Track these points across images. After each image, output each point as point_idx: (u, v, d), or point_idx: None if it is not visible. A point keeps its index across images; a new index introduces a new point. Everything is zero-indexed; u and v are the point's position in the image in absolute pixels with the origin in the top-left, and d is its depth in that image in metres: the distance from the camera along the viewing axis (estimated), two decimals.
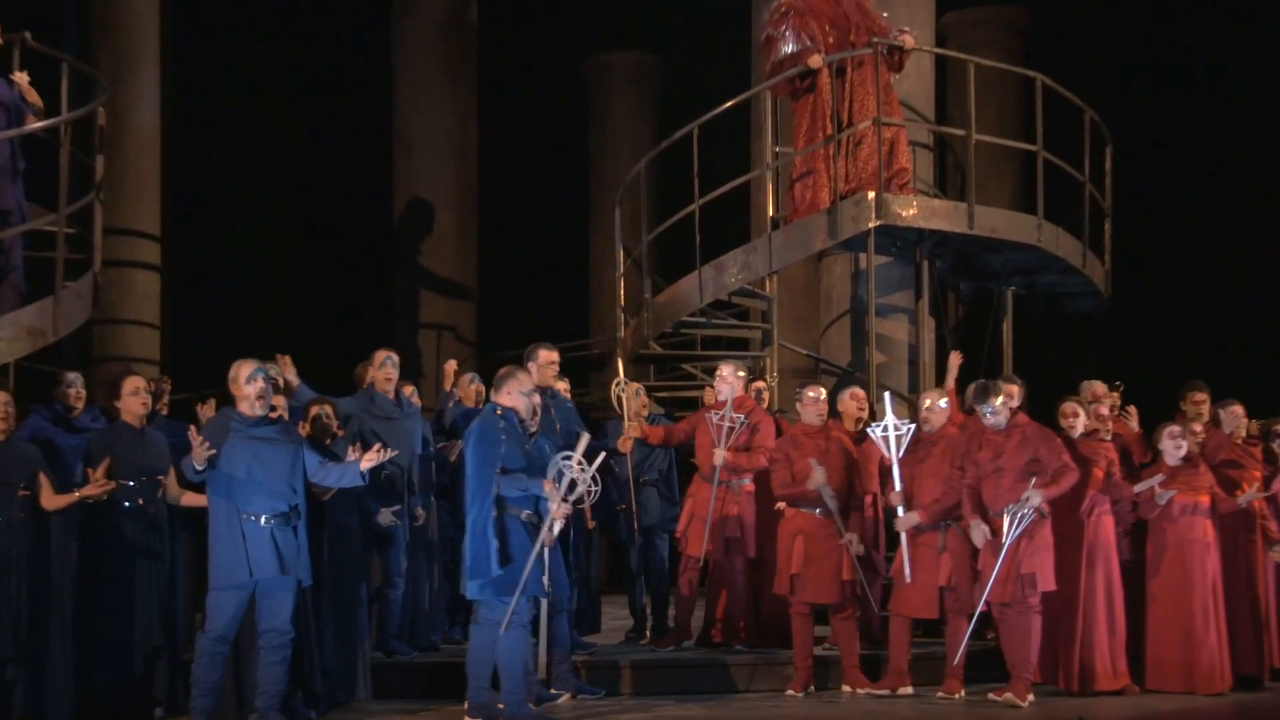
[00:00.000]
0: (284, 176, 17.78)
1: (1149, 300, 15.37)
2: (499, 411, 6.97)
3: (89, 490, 6.92)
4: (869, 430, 8.13)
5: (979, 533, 7.59)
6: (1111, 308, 11.67)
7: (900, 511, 7.81)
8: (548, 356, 8.34)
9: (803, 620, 8.06)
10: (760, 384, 9.00)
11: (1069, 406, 8.19)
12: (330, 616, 7.44)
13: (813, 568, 7.95)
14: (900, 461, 7.82)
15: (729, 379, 8.48)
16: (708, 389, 9.32)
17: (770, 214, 10.32)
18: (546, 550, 6.89)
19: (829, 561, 7.95)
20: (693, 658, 8.40)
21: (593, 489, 7.05)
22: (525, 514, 6.87)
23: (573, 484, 6.98)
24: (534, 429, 7.51)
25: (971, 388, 8.52)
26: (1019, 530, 7.53)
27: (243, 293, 17.23)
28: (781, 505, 8.21)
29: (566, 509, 6.89)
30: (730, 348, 11.10)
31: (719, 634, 8.51)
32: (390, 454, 6.82)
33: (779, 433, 8.70)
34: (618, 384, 8.21)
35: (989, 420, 7.76)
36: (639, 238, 10.67)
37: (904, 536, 7.82)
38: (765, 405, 9.04)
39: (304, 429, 7.58)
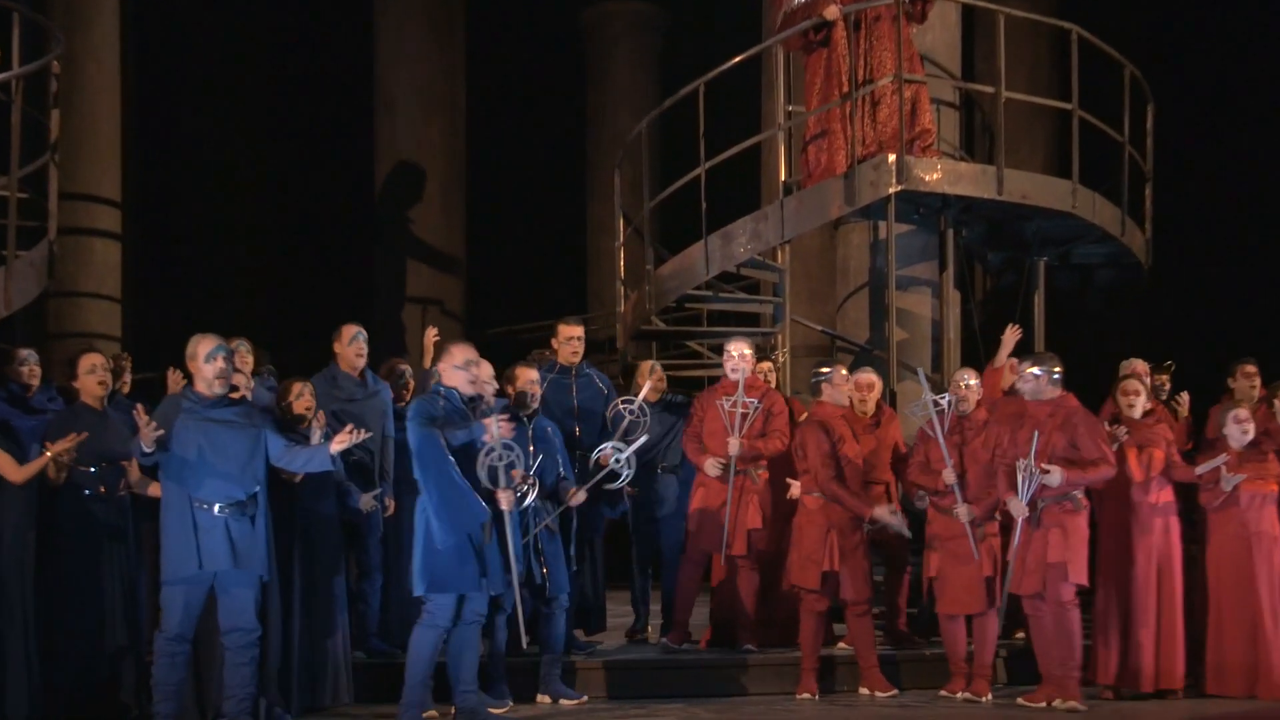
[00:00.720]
0: (255, 137, 17.76)
1: (1193, 271, 15.35)
2: (441, 392, 6.99)
3: (60, 446, 6.91)
4: (909, 411, 8.12)
5: (1017, 506, 7.60)
6: (1153, 279, 11.66)
7: (957, 494, 7.81)
8: (567, 331, 8.37)
9: (819, 619, 8.08)
10: (766, 365, 8.96)
11: (1131, 385, 8.18)
12: (304, 612, 7.47)
13: (848, 562, 7.97)
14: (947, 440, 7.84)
15: (741, 359, 8.45)
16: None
17: (782, 179, 10.30)
18: (513, 544, 6.90)
19: (859, 554, 8.00)
20: (699, 658, 8.43)
21: (625, 471, 7.28)
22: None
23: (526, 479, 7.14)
24: (534, 405, 7.53)
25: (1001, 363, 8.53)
26: (1030, 491, 7.56)
27: (211, 263, 17.24)
28: (796, 492, 8.20)
29: (509, 497, 6.88)
30: (739, 324, 11.11)
31: (746, 635, 8.51)
32: (363, 435, 6.82)
33: (793, 415, 8.69)
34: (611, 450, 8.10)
35: (1026, 385, 7.77)
36: (640, 204, 10.66)
37: (968, 526, 7.85)
38: (773, 385, 9.04)
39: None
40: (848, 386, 8.18)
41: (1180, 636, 8.04)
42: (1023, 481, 7.60)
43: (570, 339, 8.32)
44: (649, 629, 9.17)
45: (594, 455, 7.72)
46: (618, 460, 7.56)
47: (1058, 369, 7.83)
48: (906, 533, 8.01)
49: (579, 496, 7.55)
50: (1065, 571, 7.62)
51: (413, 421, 6.90)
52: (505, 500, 6.86)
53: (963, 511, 7.80)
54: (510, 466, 6.91)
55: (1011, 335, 9.21)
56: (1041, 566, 7.64)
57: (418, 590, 6.90)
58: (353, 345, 8.26)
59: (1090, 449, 7.65)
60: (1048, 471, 7.55)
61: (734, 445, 8.29)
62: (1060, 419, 7.71)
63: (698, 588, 8.57)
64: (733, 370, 8.45)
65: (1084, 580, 7.72)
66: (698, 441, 8.40)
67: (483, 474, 6.87)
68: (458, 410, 6.90)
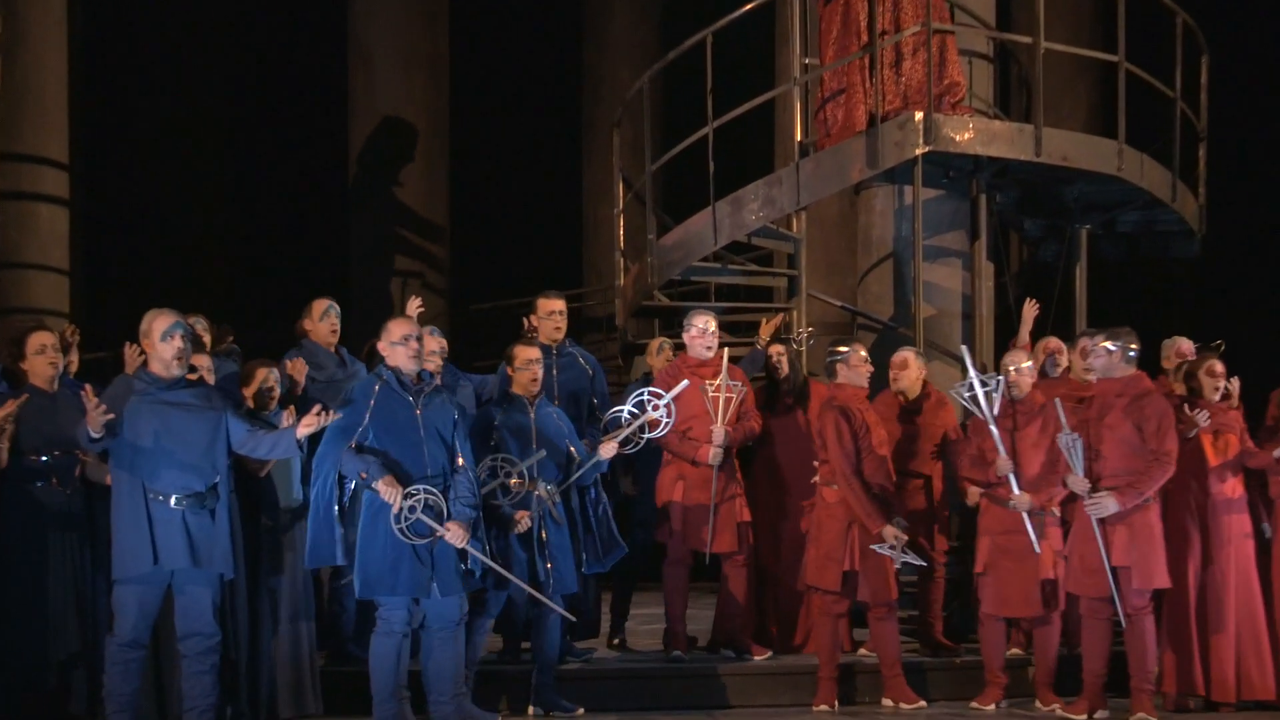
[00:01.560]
0: (219, 93, 17.74)
1: (1251, 241, 15.33)
2: (383, 375, 7.01)
3: (6, 410, 6.93)
4: (952, 392, 8.13)
5: (1078, 481, 7.63)
6: (1206, 249, 11.65)
7: (1013, 484, 7.82)
8: (547, 306, 8.35)
9: (837, 623, 8.11)
10: (779, 348, 8.95)
11: (1218, 365, 8.20)
12: (271, 614, 7.49)
13: (870, 560, 7.99)
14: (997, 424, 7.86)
15: (714, 335, 8.47)
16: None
17: (798, 139, 10.29)
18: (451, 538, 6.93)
19: (881, 553, 8.00)
20: (706, 667, 8.45)
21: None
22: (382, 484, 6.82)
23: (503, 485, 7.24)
24: (535, 390, 7.54)
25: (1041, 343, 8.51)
26: (1081, 463, 7.61)
27: (169, 231, 17.23)
28: (816, 480, 8.23)
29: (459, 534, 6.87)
30: (750, 299, 11.10)
31: (750, 640, 8.52)
32: (333, 417, 6.82)
33: (804, 396, 8.69)
34: (648, 395, 8.07)
35: (1098, 361, 7.78)
36: (641, 167, 10.64)
37: (1026, 517, 7.87)
38: (787, 367, 9.06)
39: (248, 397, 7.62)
40: (867, 367, 8.17)
41: (1265, 639, 8.05)
42: (1071, 456, 7.61)
43: (551, 314, 8.31)
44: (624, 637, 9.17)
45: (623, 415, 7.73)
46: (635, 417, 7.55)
47: (1134, 346, 7.84)
48: (913, 559, 7.97)
49: (608, 449, 7.66)
50: (1133, 576, 7.65)
51: (340, 408, 6.91)
52: (455, 535, 6.91)
53: (1021, 500, 7.81)
54: (507, 477, 7.14)
55: (1030, 310, 9.24)
56: (1102, 568, 7.64)
57: (357, 592, 6.98)
58: (325, 320, 8.26)
59: (1154, 438, 7.66)
60: (1096, 501, 7.59)
61: (720, 434, 8.29)
62: (1129, 400, 7.72)
63: (687, 590, 8.58)
64: (706, 348, 8.45)
65: (1165, 582, 7.74)
66: (677, 430, 8.37)
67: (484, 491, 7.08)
68: (398, 398, 6.92)
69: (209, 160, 17.61)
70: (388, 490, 6.80)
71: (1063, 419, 7.67)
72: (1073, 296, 10.91)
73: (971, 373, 7.90)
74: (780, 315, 9.13)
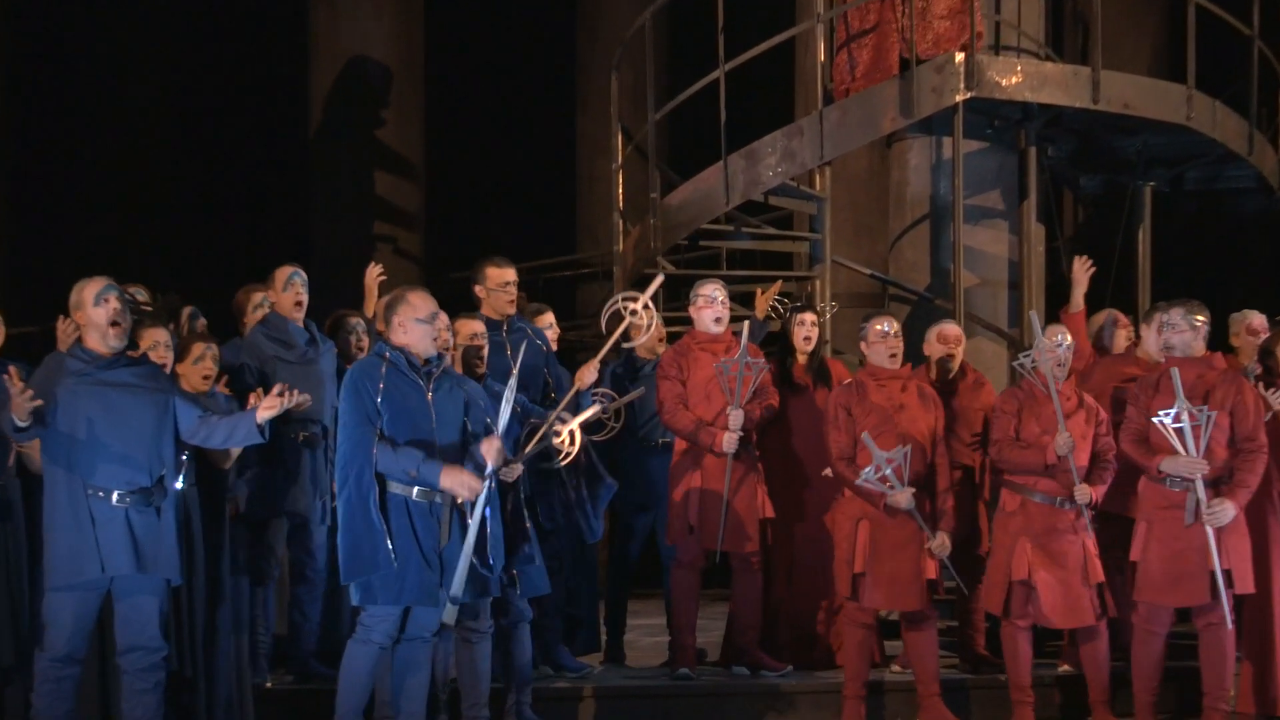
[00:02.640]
0: (158, 38, 17.70)
1: None
2: (386, 354, 6.93)
3: None
4: (1016, 363, 8.11)
5: (1192, 463, 7.62)
6: None
7: (1074, 470, 7.83)
8: (499, 276, 8.32)
9: (865, 634, 8.13)
10: (810, 316, 8.92)
11: None
12: (226, 626, 7.50)
13: (885, 564, 7.99)
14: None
15: (725, 305, 8.47)
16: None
17: (821, 84, 10.29)
18: (470, 539, 6.92)
19: (906, 555, 8.00)
20: (716, 684, 8.47)
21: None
22: (417, 491, 6.85)
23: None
24: (481, 370, 7.54)
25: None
26: (1203, 443, 7.59)
27: (104, 193, 17.21)
28: (827, 473, 8.24)
29: (475, 484, 6.83)
30: (767, 266, 11.11)
31: (767, 654, 8.54)
32: (299, 399, 6.80)
33: (824, 374, 8.69)
34: (622, 301, 8.09)
35: (1180, 337, 7.79)
36: (643, 117, 10.64)
37: (1085, 515, 7.89)
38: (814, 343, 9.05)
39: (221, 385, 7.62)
40: (887, 344, 8.16)
41: None
42: (1190, 433, 7.59)
43: (505, 285, 8.28)
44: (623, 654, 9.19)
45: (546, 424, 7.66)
46: (556, 433, 7.52)
47: (1204, 320, 7.86)
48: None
49: (515, 470, 7.50)
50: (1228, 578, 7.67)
51: (345, 398, 6.84)
52: (466, 488, 6.87)
53: (1081, 493, 7.81)
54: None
55: (1083, 270, 9.21)
56: (1198, 573, 7.64)
57: (354, 598, 6.92)
58: (289, 290, 8.25)
59: (1245, 424, 7.69)
60: (1216, 510, 7.60)
61: (737, 417, 8.30)
62: (1209, 384, 7.74)
63: (698, 598, 8.60)
64: (715, 320, 8.46)
65: (1250, 587, 7.76)
66: (690, 413, 8.37)
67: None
68: (409, 383, 6.87)
69: (150, 114, 17.56)
70: (458, 480, 6.77)
71: (1179, 388, 7.61)
72: (1134, 263, 10.91)
73: (1039, 338, 7.88)
74: (778, 283, 9.08)
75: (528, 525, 7.52)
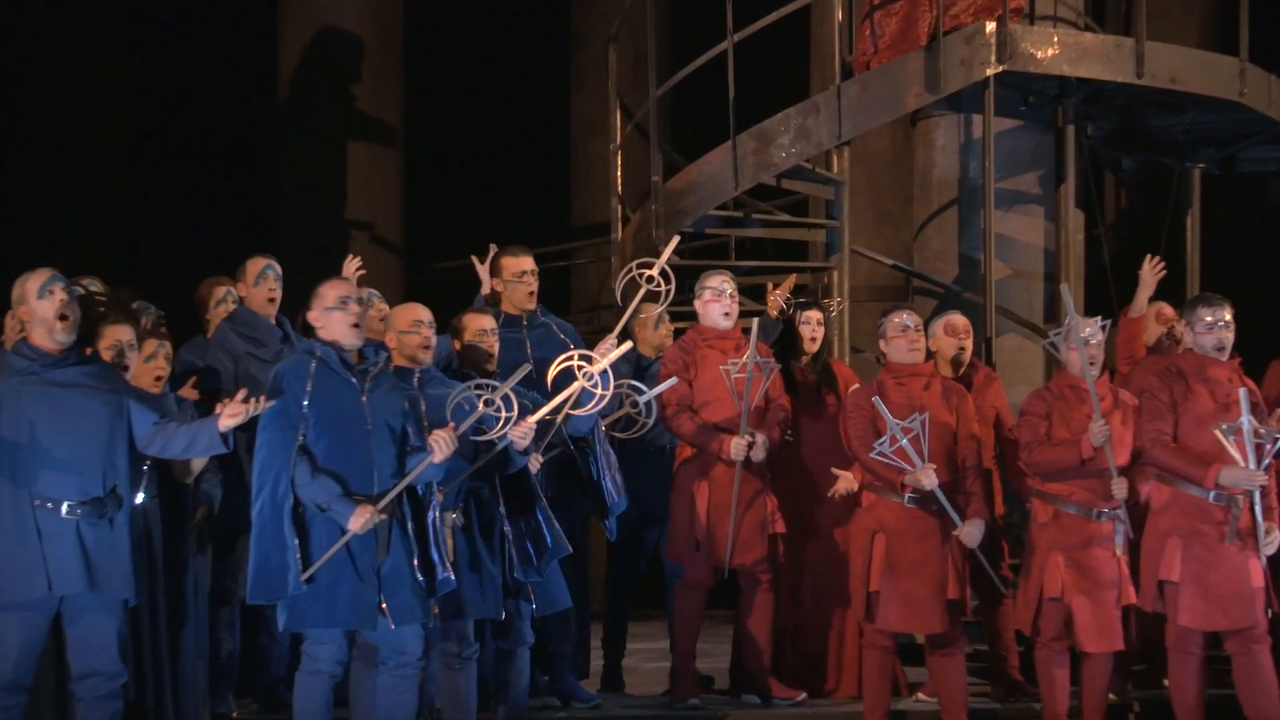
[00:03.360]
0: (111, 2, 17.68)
1: None
2: (316, 352, 6.85)
3: None
4: (1046, 343, 8.09)
5: (1250, 475, 7.59)
6: None
7: (1110, 462, 7.81)
8: (514, 265, 8.29)
9: (883, 657, 8.12)
10: (815, 314, 8.88)
11: None
12: (191, 651, 7.47)
13: (902, 582, 7.98)
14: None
15: (729, 298, 8.43)
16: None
17: (840, 56, 10.28)
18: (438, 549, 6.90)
19: (926, 571, 7.99)
20: (727, 713, 8.45)
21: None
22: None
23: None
24: (491, 369, 7.49)
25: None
26: (1266, 459, 7.58)
27: (53, 176, 17.17)
28: (843, 487, 8.23)
29: (369, 516, 6.72)
30: (780, 256, 11.11)
31: (777, 680, 8.54)
32: (268, 404, 6.76)
33: (830, 376, 8.68)
34: (637, 270, 7.99)
35: (1213, 336, 7.79)
36: (644, 93, 10.63)
37: (1119, 524, 7.88)
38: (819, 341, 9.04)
39: (188, 394, 7.59)
40: (907, 338, 8.13)
41: None
42: (1254, 446, 7.56)
43: (522, 275, 8.24)
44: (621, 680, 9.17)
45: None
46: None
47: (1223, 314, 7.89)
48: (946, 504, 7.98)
49: (535, 463, 7.49)
50: (1266, 598, 7.71)
51: (266, 414, 6.72)
52: (359, 521, 6.72)
53: (1119, 486, 7.79)
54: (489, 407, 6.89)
55: (1152, 272, 9.18)
56: (1246, 594, 7.67)
57: (280, 624, 6.84)
58: (262, 284, 8.24)
59: None
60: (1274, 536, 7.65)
61: (739, 446, 8.23)
62: (1239, 384, 7.75)
63: (702, 621, 8.58)
64: (724, 314, 8.42)
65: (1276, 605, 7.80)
66: (696, 416, 8.35)
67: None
68: (341, 382, 6.80)
69: (102, 88, 17.49)
70: (363, 521, 6.66)
71: (1246, 404, 7.58)
72: (1182, 251, 10.89)
73: (1071, 316, 7.86)
74: (793, 277, 9.03)
75: (544, 530, 7.43)
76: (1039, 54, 9.83)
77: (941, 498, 7.91)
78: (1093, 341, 7.94)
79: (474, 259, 8.75)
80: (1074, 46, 9.97)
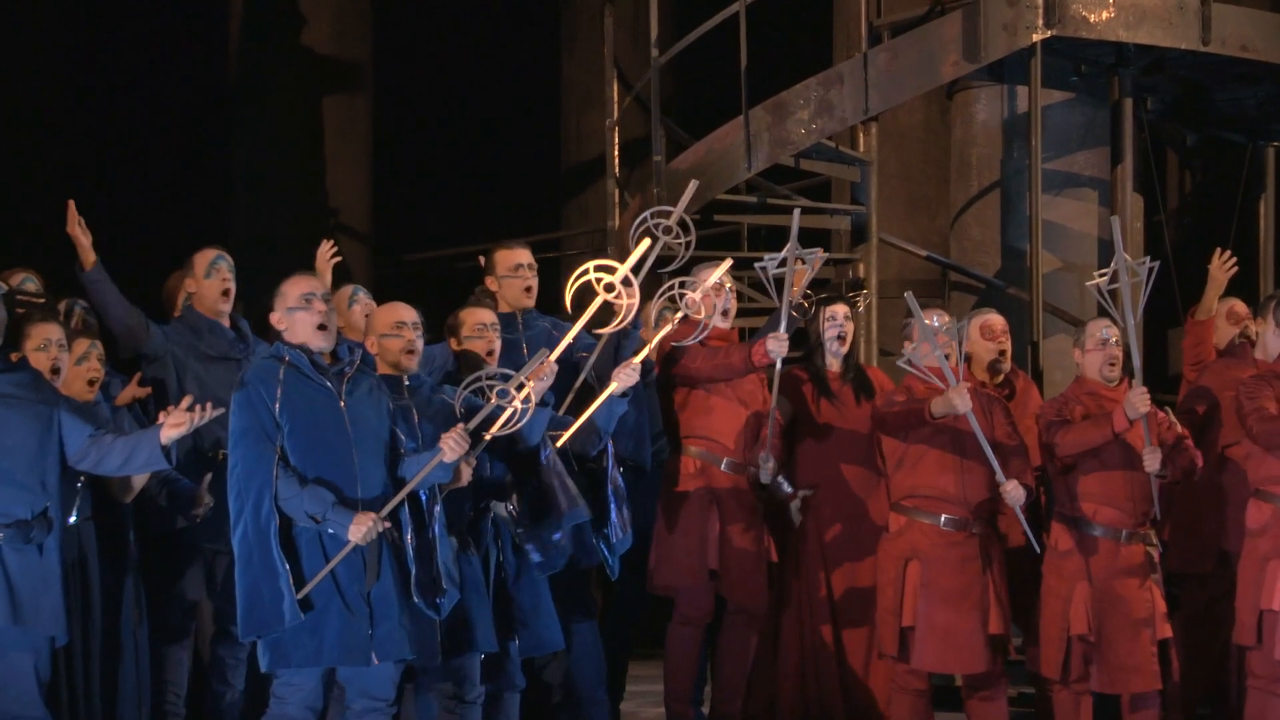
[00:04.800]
0: None
1: None
2: (285, 356, 6.82)
3: None
4: (1090, 283, 8.10)
5: None
6: None
7: (1145, 433, 7.83)
8: (508, 259, 8.33)
9: (916, 702, 8.17)
10: (841, 308, 8.86)
11: None
12: (130, 694, 7.50)
13: (940, 616, 8.02)
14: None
15: (728, 293, 8.41)
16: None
17: (867, 19, 10.32)
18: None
19: (967, 603, 8.02)
20: None
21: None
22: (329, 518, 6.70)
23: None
24: (463, 480, 7.46)
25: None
26: None
27: None
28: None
29: (369, 526, 6.73)
30: (801, 244, 11.09)
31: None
32: (215, 413, 6.76)
33: (865, 382, 8.70)
34: (652, 219, 7.94)
35: None
36: (645, 60, 10.65)
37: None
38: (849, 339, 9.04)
39: (130, 392, 7.62)
40: (935, 341, 8.14)
41: None
42: None
43: (518, 269, 8.29)
44: None
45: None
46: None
47: None
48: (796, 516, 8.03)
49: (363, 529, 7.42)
50: None
51: (237, 414, 6.71)
52: (360, 531, 6.70)
53: (1152, 457, 7.79)
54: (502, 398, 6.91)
55: (1222, 268, 9.19)
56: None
57: (262, 661, 6.80)
58: (213, 277, 8.28)
59: None
60: None
61: (769, 470, 8.29)
62: None
63: (699, 660, 8.60)
64: (724, 313, 8.39)
65: None
66: (703, 429, 8.39)
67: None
68: (317, 389, 6.81)
69: (39, 64, 17.52)
70: (365, 530, 6.66)
71: None
72: (1255, 240, 10.92)
73: (1121, 254, 7.90)
74: (806, 268, 8.99)
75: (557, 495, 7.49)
76: (1092, 17, 9.84)
77: (980, 438, 7.86)
78: (1109, 346, 8.01)
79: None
80: (1132, 9, 9.97)
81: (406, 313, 7.35)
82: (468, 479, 7.04)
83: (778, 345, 8.07)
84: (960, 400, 7.75)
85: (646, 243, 7.95)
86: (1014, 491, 7.86)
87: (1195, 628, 8.56)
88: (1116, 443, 7.88)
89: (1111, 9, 9.88)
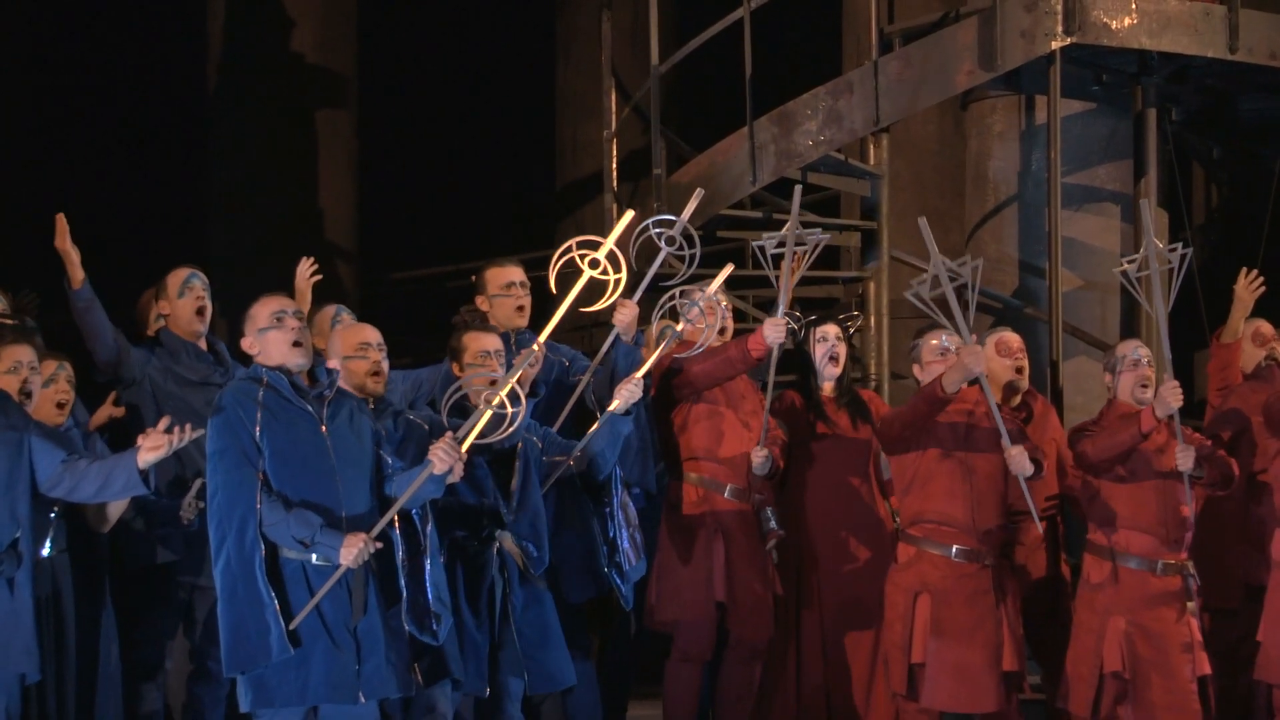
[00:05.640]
0: None
1: None
2: (263, 378, 6.81)
3: None
4: (1118, 269, 8.12)
5: None
6: None
7: (1178, 432, 7.87)
8: (500, 276, 8.36)
9: None
10: (832, 329, 8.85)
11: None
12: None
13: (951, 651, 8.03)
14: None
15: (724, 310, 8.44)
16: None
17: (877, 25, 10.36)
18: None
19: (980, 637, 8.04)
20: None
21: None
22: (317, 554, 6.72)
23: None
24: (454, 478, 7.48)
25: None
26: None
27: None
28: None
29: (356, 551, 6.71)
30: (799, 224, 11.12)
31: None
32: (195, 434, 6.75)
33: (861, 413, 8.73)
34: (654, 229, 7.95)
35: None
36: (644, 69, 10.67)
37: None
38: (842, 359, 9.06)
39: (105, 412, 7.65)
40: (944, 364, 8.15)
41: None
42: None
43: (510, 287, 8.31)
44: None
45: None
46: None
47: None
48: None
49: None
50: None
51: (215, 438, 6.69)
52: (350, 555, 6.66)
53: (1185, 454, 7.84)
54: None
55: (1249, 289, 9.23)
56: None
57: (243, 701, 6.75)
58: (187, 296, 8.29)
59: None
60: None
61: (762, 457, 8.31)
62: None
63: (698, 699, 8.62)
64: (720, 332, 8.40)
65: None
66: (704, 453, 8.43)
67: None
68: (296, 411, 6.79)
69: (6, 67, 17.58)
70: (355, 553, 6.63)
71: None
72: None
73: (1150, 240, 7.94)
74: (807, 250, 8.93)
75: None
76: (1114, 24, 9.86)
77: (984, 385, 7.88)
78: (1141, 367, 8.05)
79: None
80: (1156, 15, 9.99)
81: (371, 334, 7.41)
82: (459, 475, 7.00)
83: (775, 331, 8.08)
84: (974, 360, 7.76)
85: (631, 214, 7.98)
86: (1019, 458, 7.87)
87: (1222, 665, 8.58)
88: (1147, 463, 7.94)
89: (1134, 15, 9.89)
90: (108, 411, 8.05)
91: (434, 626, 6.91)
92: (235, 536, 6.59)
